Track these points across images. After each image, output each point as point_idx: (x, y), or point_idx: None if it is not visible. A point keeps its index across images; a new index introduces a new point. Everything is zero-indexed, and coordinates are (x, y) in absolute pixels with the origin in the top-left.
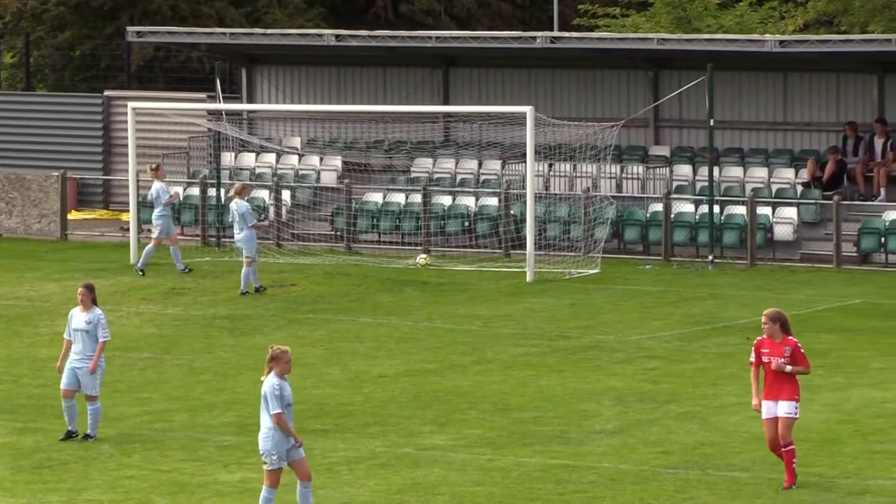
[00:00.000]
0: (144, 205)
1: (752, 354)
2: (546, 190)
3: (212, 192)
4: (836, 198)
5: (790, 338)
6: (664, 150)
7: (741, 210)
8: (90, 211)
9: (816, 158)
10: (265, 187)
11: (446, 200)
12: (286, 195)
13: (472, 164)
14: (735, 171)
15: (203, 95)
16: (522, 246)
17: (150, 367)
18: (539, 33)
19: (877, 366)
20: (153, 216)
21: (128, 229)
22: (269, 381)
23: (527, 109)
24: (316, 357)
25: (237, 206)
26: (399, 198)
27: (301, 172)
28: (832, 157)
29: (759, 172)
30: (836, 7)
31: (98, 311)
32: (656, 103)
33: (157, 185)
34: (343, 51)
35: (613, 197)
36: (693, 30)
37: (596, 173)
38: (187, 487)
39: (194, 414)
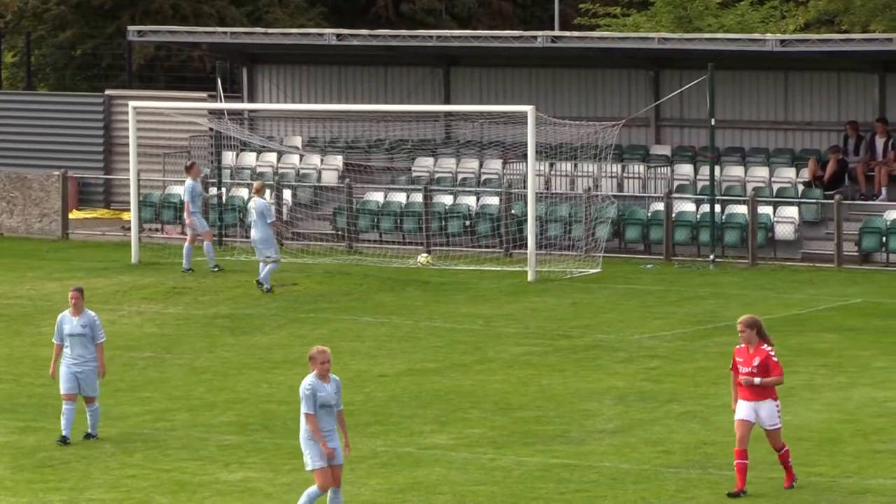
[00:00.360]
0: (146, 204)
1: (732, 361)
2: (547, 189)
3: (213, 191)
4: (837, 197)
5: (763, 347)
6: (665, 150)
7: (742, 209)
8: (91, 210)
9: (817, 158)
10: (266, 186)
11: (447, 200)
12: (287, 194)
13: (473, 164)
14: (736, 171)
15: (204, 95)
16: (524, 245)
17: (152, 366)
18: (540, 32)
19: (878, 365)
20: (185, 214)
21: (129, 228)
22: (304, 381)
23: (528, 109)
24: None
25: (255, 203)
26: (400, 197)
27: (302, 172)
28: (833, 156)
29: (761, 172)
30: (837, 6)
31: (91, 312)
32: (657, 102)
33: (189, 183)
34: (344, 50)
35: (614, 196)
36: (694, 29)
37: (597, 172)
38: (188, 487)
39: (195, 413)
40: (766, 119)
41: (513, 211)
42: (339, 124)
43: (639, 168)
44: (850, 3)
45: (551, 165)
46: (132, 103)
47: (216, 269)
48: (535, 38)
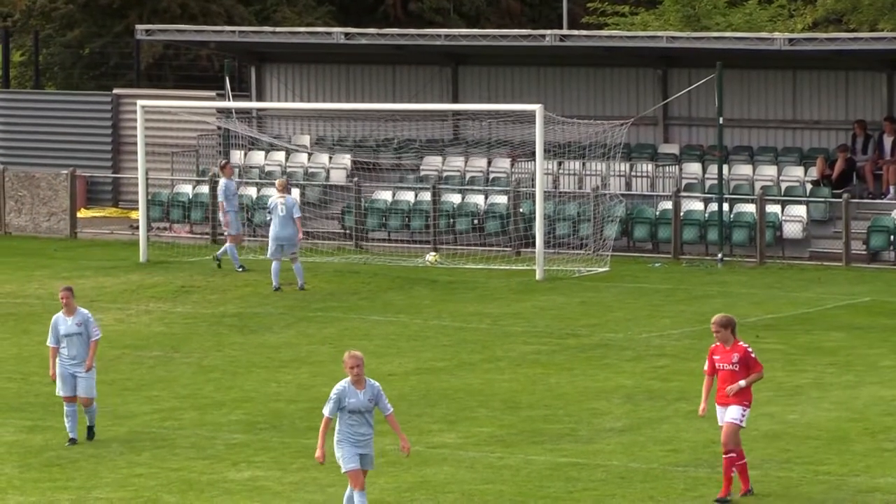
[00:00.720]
0: (154, 202)
1: (707, 363)
2: (555, 188)
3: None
4: (845, 196)
5: (740, 343)
6: (673, 148)
7: (750, 208)
8: (99, 209)
9: (826, 156)
10: (273, 185)
11: (455, 198)
12: (296, 193)
13: (481, 162)
14: (744, 169)
15: (212, 93)
16: (532, 244)
17: (160, 365)
18: (548, 31)
19: (886, 364)
20: (220, 214)
21: (137, 227)
22: (337, 383)
23: (536, 107)
24: (325, 355)
25: (285, 200)
26: (408, 196)
27: (310, 170)
28: (841, 155)
29: (769, 170)
30: (844, 5)
31: (84, 311)
32: (665, 101)
33: (223, 182)
34: (352, 49)
35: (623, 195)
36: (702, 28)
37: (605, 171)
38: (196, 485)
39: (203, 412)
40: (774, 118)
41: (521, 210)
42: (347, 123)
43: (647, 167)
44: (858, 2)
45: (559, 164)
46: (140, 102)
47: (241, 270)
48: (543, 36)
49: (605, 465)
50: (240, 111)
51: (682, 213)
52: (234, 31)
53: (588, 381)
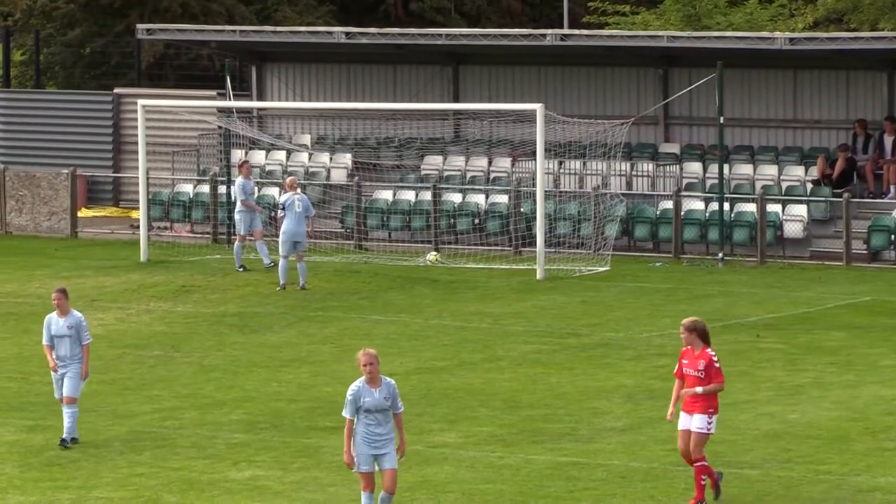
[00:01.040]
0: (155, 202)
1: (677, 365)
2: (556, 187)
3: (222, 189)
4: (845, 195)
5: (707, 350)
6: (674, 148)
7: (751, 207)
8: (100, 208)
9: (826, 156)
10: (275, 185)
11: (456, 198)
12: None
13: (482, 162)
14: (745, 169)
15: (213, 93)
16: (532, 243)
17: (160, 364)
18: (549, 31)
19: (887, 363)
20: (235, 212)
21: (138, 227)
22: (352, 384)
23: (537, 107)
24: (326, 354)
25: (301, 198)
26: (409, 195)
27: (311, 170)
28: (842, 154)
29: (769, 170)
30: (845, 5)
31: (77, 313)
32: (666, 101)
33: (240, 181)
34: (353, 48)
35: (623, 194)
36: (703, 27)
37: (606, 171)
38: (197, 485)
39: (204, 411)
40: (774, 117)
41: (522, 209)
42: (347, 122)
43: (648, 166)
44: (858, 1)
45: (560, 163)
46: (141, 101)
47: (241, 270)
48: (544, 36)
49: (606, 464)
50: (240, 111)
51: (682, 213)
52: (234, 31)
53: (589, 381)
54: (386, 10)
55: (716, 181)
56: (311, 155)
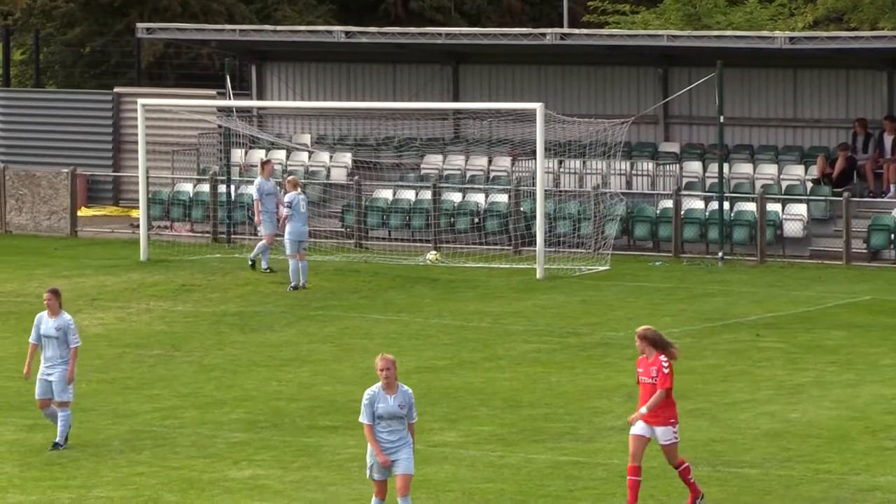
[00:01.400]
0: (154, 201)
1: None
2: (556, 186)
3: (222, 188)
4: (845, 194)
5: (660, 357)
6: (674, 147)
7: (751, 207)
8: (100, 207)
9: (826, 155)
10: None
11: (456, 197)
12: None
13: (482, 161)
14: (745, 168)
15: (213, 92)
16: (532, 243)
17: (160, 363)
18: (549, 30)
19: (887, 362)
20: (255, 211)
21: (138, 226)
22: (368, 389)
23: (537, 106)
24: (326, 354)
25: (305, 197)
26: (409, 194)
27: (311, 169)
28: (842, 153)
29: (769, 169)
30: (845, 4)
31: (66, 315)
32: (666, 100)
33: (258, 181)
34: (353, 47)
35: (623, 193)
36: (703, 26)
37: (606, 170)
38: (197, 484)
39: (204, 411)
40: (774, 116)
41: (521, 208)
42: (347, 122)
43: (647, 165)
44: (858, 0)
45: (560, 163)
46: (141, 101)
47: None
48: (543, 35)
49: (606, 463)
50: (240, 110)
51: (682, 212)
52: (234, 30)
53: (589, 380)
54: (386, 10)
55: (716, 180)
56: (311, 154)
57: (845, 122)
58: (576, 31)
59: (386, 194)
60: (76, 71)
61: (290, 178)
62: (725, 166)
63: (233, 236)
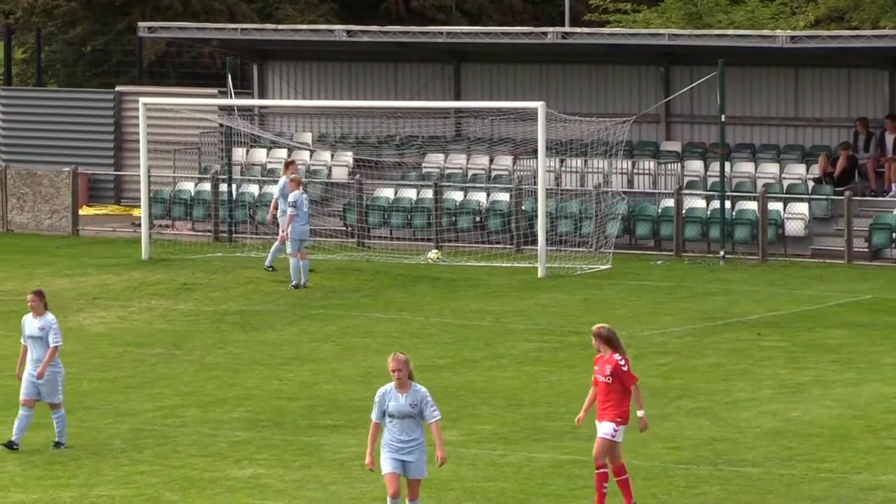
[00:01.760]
0: (156, 200)
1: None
2: (557, 185)
3: (223, 187)
4: (847, 193)
5: (615, 356)
6: (675, 146)
7: (752, 206)
8: (101, 206)
9: (828, 154)
10: (276, 183)
11: (458, 196)
12: None
13: (483, 160)
14: (746, 167)
15: (214, 91)
16: (534, 241)
17: (162, 362)
18: (550, 29)
19: (889, 361)
20: (279, 212)
21: (139, 225)
22: (382, 386)
23: (538, 105)
24: (327, 352)
25: (307, 196)
26: (410, 193)
27: (312, 168)
28: (843, 152)
29: (771, 168)
30: (846, 3)
31: (50, 316)
32: (667, 99)
33: (283, 181)
34: (354, 46)
35: (625, 192)
36: (704, 25)
37: (607, 169)
38: (199, 483)
39: (205, 409)
40: (776, 115)
41: (523, 207)
42: (349, 120)
43: (649, 164)
44: None
45: (561, 162)
46: (142, 99)
47: (270, 269)
48: (545, 34)
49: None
50: (242, 108)
51: (684, 211)
52: (236, 29)
53: (590, 379)
54: (387, 8)
55: (717, 179)
56: (312, 153)
57: (847, 121)
58: (577, 29)
59: (387, 193)
60: (78, 70)
61: (292, 176)
62: (727, 165)
63: (234, 235)
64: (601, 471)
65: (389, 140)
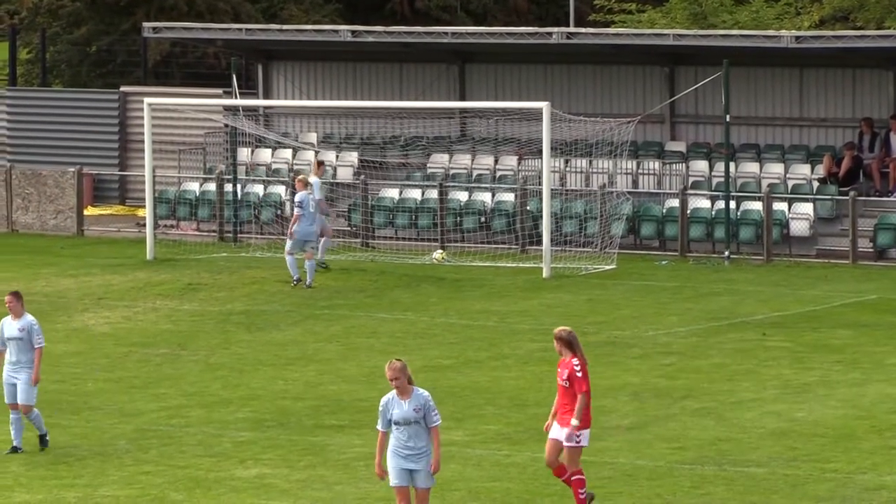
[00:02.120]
0: (161, 200)
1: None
2: (562, 186)
3: (228, 187)
4: (851, 193)
5: (573, 360)
6: (680, 146)
7: (757, 206)
8: (106, 207)
9: (832, 154)
10: (281, 183)
11: (462, 196)
12: None
13: (488, 160)
14: (751, 167)
15: (219, 91)
16: (539, 242)
17: (167, 362)
18: (555, 29)
19: (893, 361)
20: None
21: (144, 225)
22: (385, 395)
23: (543, 105)
24: (332, 353)
25: (314, 196)
26: (415, 194)
27: None
28: (848, 152)
29: (775, 168)
30: (851, 3)
31: (30, 317)
32: (672, 99)
33: (316, 182)
34: (359, 47)
35: (629, 193)
36: (709, 25)
37: (612, 169)
38: (203, 483)
39: (210, 410)
40: (781, 115)
41: (528, 207)
42: (354, 121)
43: (654, 164)
44: None
45: (566, 162)
46: (147, 100)
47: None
48: (550, 34)
49: (612, 462)
50: (247, 109)
51: (688, 211)
52: (241, 29)
53: (595, 379)
54: (392, 9)
55: (722, 179)
56: (317, 153)
57: (851, 121)
58: (582, 30)
59: (392, 193)
60: (82, 70)
61: (299, 177)
62: (732, 165)
63: (239, 235)
64: (577, 477)
65: (394, 140)
